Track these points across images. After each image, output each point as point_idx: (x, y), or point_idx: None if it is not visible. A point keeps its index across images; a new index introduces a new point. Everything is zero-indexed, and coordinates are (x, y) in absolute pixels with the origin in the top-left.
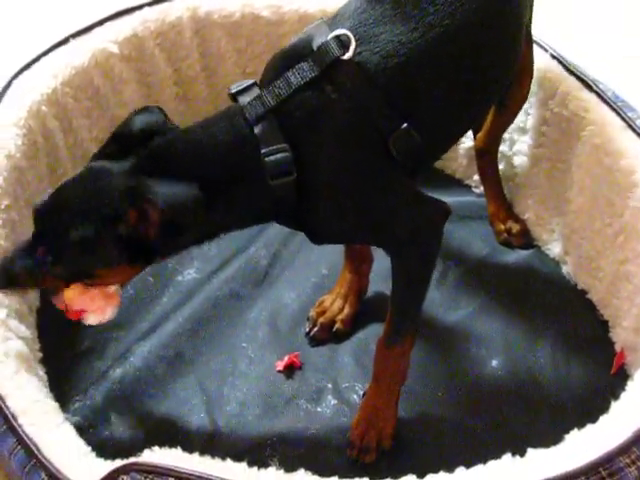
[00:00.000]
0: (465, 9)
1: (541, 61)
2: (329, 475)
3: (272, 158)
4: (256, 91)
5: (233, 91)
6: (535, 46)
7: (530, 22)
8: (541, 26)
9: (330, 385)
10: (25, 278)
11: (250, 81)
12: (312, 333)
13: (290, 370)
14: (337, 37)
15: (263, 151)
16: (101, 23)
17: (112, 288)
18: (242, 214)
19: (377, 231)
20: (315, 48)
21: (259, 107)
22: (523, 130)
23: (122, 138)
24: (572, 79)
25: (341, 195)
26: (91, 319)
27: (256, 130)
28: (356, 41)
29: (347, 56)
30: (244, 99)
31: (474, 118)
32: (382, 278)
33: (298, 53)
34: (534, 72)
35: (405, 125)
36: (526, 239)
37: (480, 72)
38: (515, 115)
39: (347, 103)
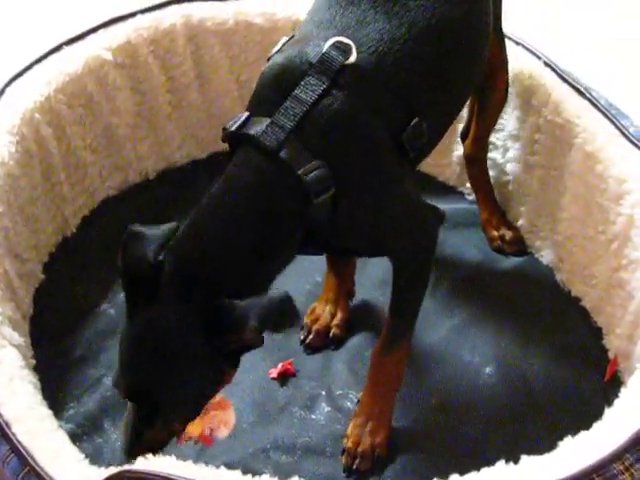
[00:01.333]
0: (444, 2)
1: (534, 68)
2: None
3: (312, 176)
4: (264, 120)
5: (233, 128)
6: (528, 53)
7: (500, 21)
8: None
9: (324, 392)
10: (158, 445)
11: (244, 114)
12: (308, 341)
13: (284, 377)
14: (334, 45)
15: (300, 173)
16: (94, 30)
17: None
18: (292, 244)
19: (388, 237)
20: (315, 60)
21: (278, 132)
22: (516, 137)
23: (138, 282)
24: (565, 86)
25: (367, 199)
26: (222, 433)
27: (283, 155)
28: (355, 41)
29: (352, 60)
30: (255, 129)
31: (461, 106)
32: (373, 285)
33: (297, 71)
34: (528, 79)
35: (416, 120)
36: (519, 246)
37: (463, 61)
38: (496, 117)
39: (362, 105)
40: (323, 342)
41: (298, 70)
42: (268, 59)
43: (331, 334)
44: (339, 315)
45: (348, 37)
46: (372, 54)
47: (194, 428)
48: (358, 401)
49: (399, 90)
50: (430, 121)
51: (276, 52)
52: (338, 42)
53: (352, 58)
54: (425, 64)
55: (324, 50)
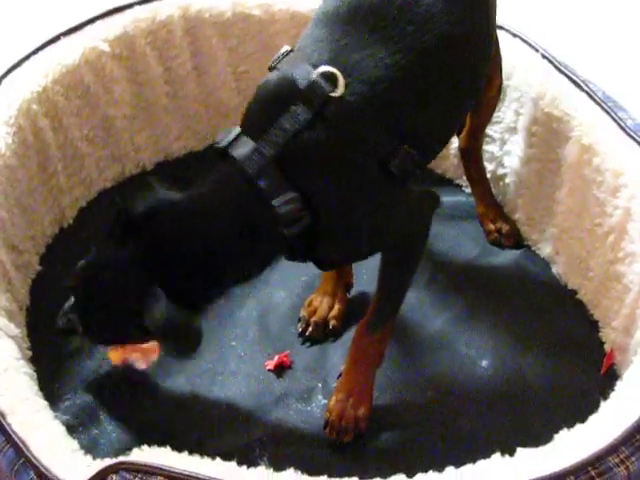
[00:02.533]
0: (442, 24)
1: (532, 61)
2: (318, 474)
3: (284, 209)
4: (250, 143)
5: (222, 145)
6: (525, 46)
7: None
8: None
9: (320, 384)
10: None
11: (236, 130)
12: (307, 333)
13: (280, 369)
14: (323, 74)
15: (274, 203)
16: (92, 21)
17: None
18: (259, 264)
19: (381, 243)
20: (302, 87)
21: (260, 159)
22: (513, 130)
23: (125, 223)
24: (563, 79)
25: (353, 227)
26: (139, 365)
27: (262, 184)
28: (342, 72)
29: (338, 93)
30: (239, 152)
31: (459, 121)
32: (370, 277)
33: (285, 95)
34: (525, 72)
35: (405, 147)
36: (516, 239)
37: (461, 80)
38: (491, 114)
39: (344, 139)
40: (321, 334)
41: (286, 96)
42: (269, 68)
43: (330, 326)
44: (337, 307)
45: (341, 63)
46: (363, 83)
47: (114, 355)
48: (340, 375)
49: (392, 116)
50: (426, 142)
51: (275, 63)
52: (328, 72)
53: (339, 91)
54: (421, 89)
55: (313, 78)
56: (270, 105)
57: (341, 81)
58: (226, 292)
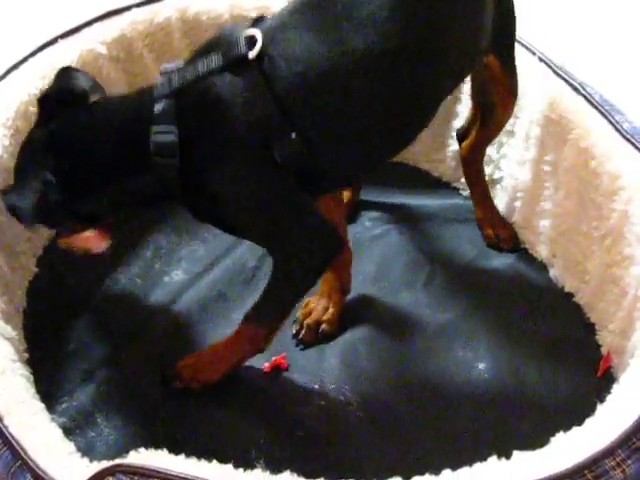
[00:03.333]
0: (379, 33)
1: (529, 64)
2: (315, 477)
3: (157, 138)
4: (173, 72)
5: (162, 69)
6: (523, 49)
7: (507, 45)
8: None
9: (317, 386)
10: None
11: (182, 63)
12: (300, 336)
13: (277, 371)
14: (249, 35)
15: (153, 129)
16: (89, 24)
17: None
18: (135, 187)
19: (255, 234)
20: (226, 41)
21: (165, 87)
22: (510, 133)
23: (44, 106)
24: (560, 82)
25: (215, 190)
26: (95, 248)
27: (155, 108)
28: (269, 42)
29: (251, 55)
30: (160, 78)
31: (389, 145)
32: (367, 281)
33: (213, 44)
34: (522, 75)
35: (293, 135)
36: (514, 243)
37: (393, 96)
38: (498, 132)
39: (239, 101)
40: (313, 338)
41: (214, 44)
42: None
43: (320, 330)
44: (330, 310)
45: (273, 35)
46: (282, 58)
47: (65, 241)
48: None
49: (297, 102)
50: (335, 149)
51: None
52: (252, 35)
53: (252, 53)
54: (343, 91)
55: (237, 36)
56: (201, 49)
57: (258, 45)
58: (119, 213)
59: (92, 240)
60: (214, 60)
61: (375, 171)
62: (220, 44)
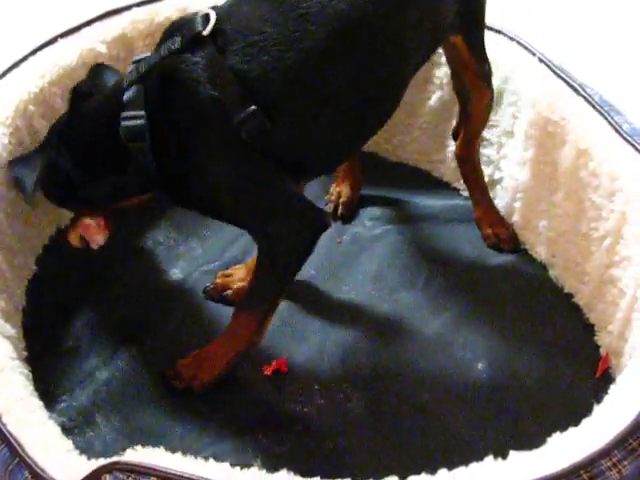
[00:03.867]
0: (337, 12)
1: (529, 65)
2: (311, 475)
3: (126, 123)
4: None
5: (133, 59)
6: (522, 49)
7: (475, 29)
8: None
9: (317, 386)
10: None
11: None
12: (339, 213)
13: (277, 373)
14: (204, 14)
15: (122, 115)
16: (90, 23)
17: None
18: (121, 174)
19: (232, 213)
20: (184, 22)
21: (133, 75)
22: (510, 134)
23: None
24: (559, 82)
25: (190, 168)
26: (95, 241)
27: (125, 96)
28: (226, 18)
29: (205, 32)
30: (130, 68)
31: (354, 129)
32: (366, 280)
33: (175, 27)
34: (522, 75)
35: (253, 107)
36: (514, 243)
37: (355, 64)
38: (483, 124)
39: (200, 79)
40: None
41: (176, 27)
42: None
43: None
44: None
45: (229, 11)
46: (235, 30)
47: (73, 239)
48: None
49: (253, 74)
50: (297, 125)
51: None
52: (207, 13)
53: (206, 30)
54: (290, 70)
55: (198, 15)
56: (165, 34)
57: (211, 22)
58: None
59: (92, 229)
60: (175, 42)
61: (347, 156)
62: (181, 26)
